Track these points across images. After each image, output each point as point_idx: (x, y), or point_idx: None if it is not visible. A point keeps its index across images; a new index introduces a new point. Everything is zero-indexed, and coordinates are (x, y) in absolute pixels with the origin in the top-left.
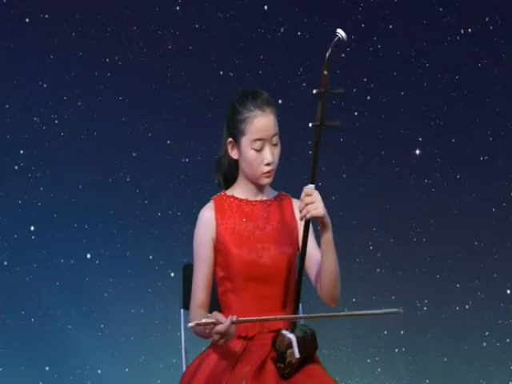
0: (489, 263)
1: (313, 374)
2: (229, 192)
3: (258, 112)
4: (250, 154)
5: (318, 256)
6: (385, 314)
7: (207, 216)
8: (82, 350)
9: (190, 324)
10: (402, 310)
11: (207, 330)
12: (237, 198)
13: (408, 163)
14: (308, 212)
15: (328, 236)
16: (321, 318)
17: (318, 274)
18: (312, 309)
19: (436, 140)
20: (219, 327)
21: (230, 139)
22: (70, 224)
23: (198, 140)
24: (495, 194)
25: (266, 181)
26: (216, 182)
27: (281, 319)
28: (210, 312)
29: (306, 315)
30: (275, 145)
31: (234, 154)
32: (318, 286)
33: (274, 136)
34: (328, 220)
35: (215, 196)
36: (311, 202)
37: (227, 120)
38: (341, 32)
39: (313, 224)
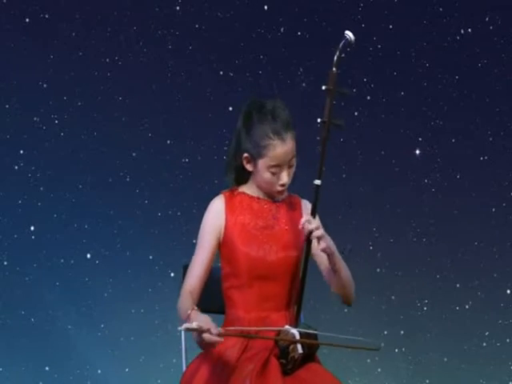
0: (489, 263)
1: (315, 370)
2: (240, 188)
3: (277, 141)
4: (266, 175)
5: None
6: (365, 348)
7: (218, 206)
8: (82, 350)
9: (180, 328)
10: (382, 345)
11: (193, 334)
12: (247, 195)
13: (408, 163)
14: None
15: (336, 260)
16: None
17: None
18: (312, 309)
19: (436, 140)
20: (207, 336)
21: (246, 155)
22: (70, 224)
23: (198, 140)
24: (495, 193)
25: (278, 196)
26: (216, 182)
27: (263, 338)
28: (200, 301)
29: (289, 339)
30: (291, 166)
31: (249, 167)
32: (331, 286)
33: (291, 159)
34: (330, 250)
35: (225, 191)
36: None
37: (244, 133)
38: (349, 34)
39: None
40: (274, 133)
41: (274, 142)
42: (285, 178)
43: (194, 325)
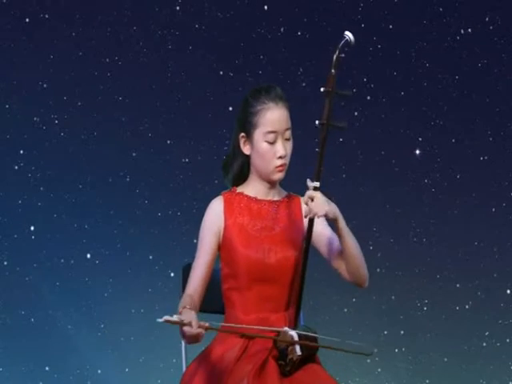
0: (489, 263)
1: (314, 372)
2: (239, 189)
3: (271, 104)
4: (263, 146)
5: (327, 233)
6: (358, 353)
7: (217, 207)
8: (82, 350)
9: (159, 320)
10: (375, 350)
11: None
12: (246, 196)
13: (408, 163)
14: (310, 213)
15: (341, 226)
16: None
17: (335, 255)
18: (312, 309)
19: (436, 140)
20: (187, 329)
21: (243, 134)
22: (70, 224)
23: (198, 140)
24: (495, 193)
25: (278, 175)
26: (216, 182)
27: (262, 337)
28: (203, 303)
29: (285, 340)
30: (288, 139)
31: (246, 150)
32: (337, 267)
33: (286, 130)
34: (333, 215)
35: (225, 191)
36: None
37: (240, 115)
38: (349, 34)
39: None
40: (268, 99)
41: (267, 106)
42: (281, 149)
43: (175, 317)
